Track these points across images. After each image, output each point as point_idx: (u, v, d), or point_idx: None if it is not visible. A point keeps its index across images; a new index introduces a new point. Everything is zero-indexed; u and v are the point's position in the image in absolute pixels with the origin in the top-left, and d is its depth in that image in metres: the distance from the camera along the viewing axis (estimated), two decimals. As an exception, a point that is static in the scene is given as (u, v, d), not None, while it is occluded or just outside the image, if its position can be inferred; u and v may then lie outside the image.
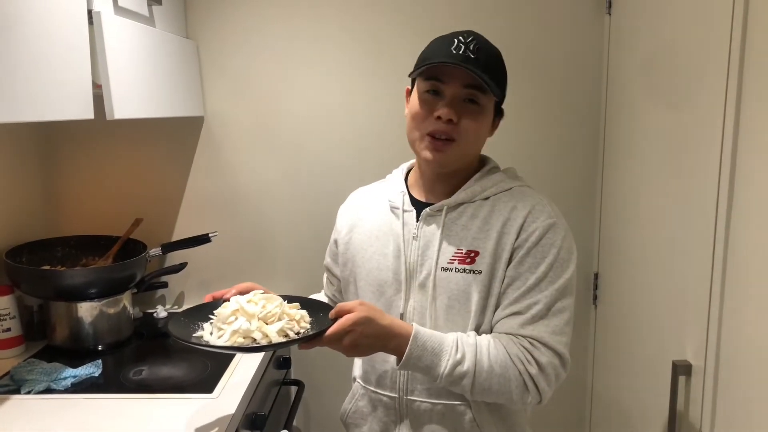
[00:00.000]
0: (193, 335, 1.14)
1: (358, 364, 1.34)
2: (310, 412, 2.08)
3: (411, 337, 1.08)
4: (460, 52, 1.12)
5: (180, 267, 1.93)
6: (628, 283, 1.70)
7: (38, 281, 1.65)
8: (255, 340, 1.10)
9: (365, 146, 1.94)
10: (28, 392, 1.41)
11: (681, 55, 1.38)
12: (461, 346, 1.10)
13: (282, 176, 1.96)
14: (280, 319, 1.14)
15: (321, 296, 1.48)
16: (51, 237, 1.85)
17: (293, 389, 1.95)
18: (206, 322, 1.17)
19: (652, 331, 1.51)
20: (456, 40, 1.13)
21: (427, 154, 1.16)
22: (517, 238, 1.15)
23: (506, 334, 1.13)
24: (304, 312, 1.19)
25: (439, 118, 1.13)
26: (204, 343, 1.10)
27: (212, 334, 1.13)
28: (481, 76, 1.11)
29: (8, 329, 1.62)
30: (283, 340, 1.10)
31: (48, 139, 1.95)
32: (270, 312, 1.13)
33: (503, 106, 1.23)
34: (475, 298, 1.15)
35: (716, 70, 1.19)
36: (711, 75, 1.22)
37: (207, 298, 1.23)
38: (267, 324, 1.12)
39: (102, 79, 1.32)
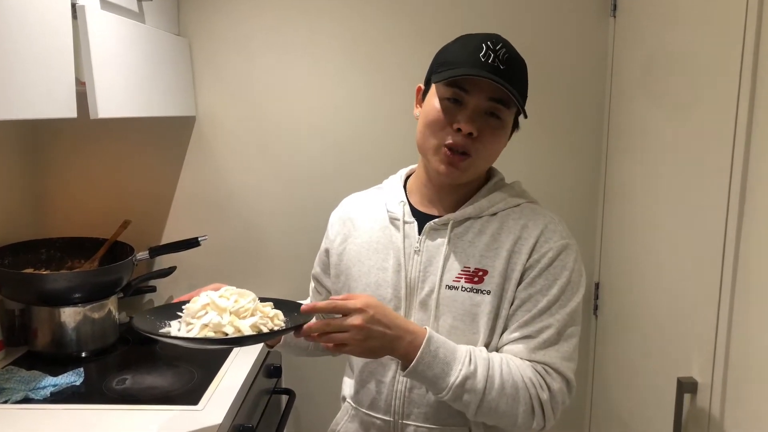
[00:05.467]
0: (160, 331, 1.07)
1: (348, 382, 1.27)
2: (300, 422, 2.02)
3: (424, 340, 1.01)
4: (489, 61, 1.04)
5: (169, 271, 1.88)
6: (630, 294, 1.64)
7: (20, 285, 1.59)
8: (226, 334, 1.03)
9: (363, 149, 1.88)
10: (5, 402, 1.35)
11: (689, 58, 1.33)
12: (474, 359, 1.03)
13: (276, 179, 1.91)
14: (253, 315, 1.07)
15: None
16: (35, 238, 1.80)
17: (284, 398, 1.89)
18: (174, 320, 1.11)
19: (655, 346, 1.46)
20: (484, 46, 1.05)
21: (440, 167, 1.09)
22: (528, 259, 1.09)
23: (517, 357, 1.07)
24: (278, 311, 1.12)
25: (458, 130, 1.06)
26: (171, 335, 1.04)
27: (180, 329, 1.07)
28: (511, 91, 1.03)
29: (-12, 334, 1.56)
30: (255, 333, 1.03)
31: (33, 138, 1.89)
32: (243, 307, 1.07)
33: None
34: (482, 319, 1.09)
35: (728, 72, 1.14)
36: (722, 78, 1.17)
37: (175, 301, 1.17)
38: (239, 319, 1.06)
39: (86, 76, 1.27)
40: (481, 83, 1.05)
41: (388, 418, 1.16)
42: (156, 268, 1.91)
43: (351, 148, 1.88)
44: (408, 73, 1.82)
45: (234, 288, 1.11)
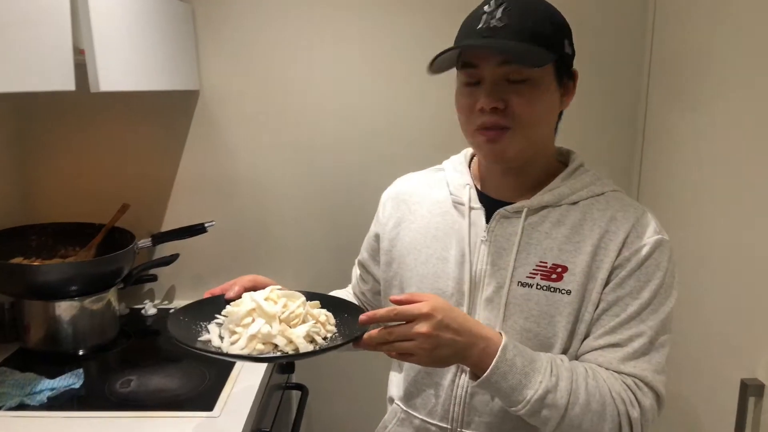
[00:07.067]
0: (198, 339, 0.95)
1: (396, 381, 1.14)
2: (312, 420, 1.90)
3: (500, 347, 0.88)
4: (484, 26, 0.93)
5: (171, 259, 1.74)
6: (687, 289, 1.52)
7: (9, 277, 1.45)
8: (276, 346, 0.91)
9: (388, 128, 1.73)
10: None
11: (741, 46, 1.21)
12: (555, 370, 0.90)
13: (287, 159, 1.76)
14: (304, 321, 0.95)
15: (344, 294, 1.29)
16: (24, 224, 1.65)
17: (295, 394, 1.77)
18: (209, 322, 0.98)
19: (714, 344, 1.34)
20: (481, 11, 0.94)
21: (484, 151, 0.99)
22: (618, 256, 0.95)
23: (603, 368, 0.94)
24: (328, 313, 1.00)
25: (482, 110, 0.94)
26: (224, 352, 0.91)
27: (223, 338, 0.94)
28: (507, 46, 0.91)
29: (-25, 331, 1.42)
30: (315, 347, 0.91)
31: (22, 114, 1.73)
32: (293, 312, 0.95)
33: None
34: (561, 322, 0.96)
35: None
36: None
37: (206, 295, 1.03)
38: (289, 326, 0.94)
39: (85, 44, 1.12)
40: (485, 52, 0.93)
41: (445, 425, 1.04)
42: (157, 255, 1.77)
43: (378, 126, 1.73)
44: (446, 38, 1.66)
45: (279, 287, 0.99)
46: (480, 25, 0.93)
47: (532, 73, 0.94)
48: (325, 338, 0.95)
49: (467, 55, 0.95)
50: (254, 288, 1.02)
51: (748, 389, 1.16)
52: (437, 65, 0.96)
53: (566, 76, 0.99)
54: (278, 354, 0.91)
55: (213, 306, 1.00)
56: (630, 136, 1.73)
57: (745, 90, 1.25)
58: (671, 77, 1.57)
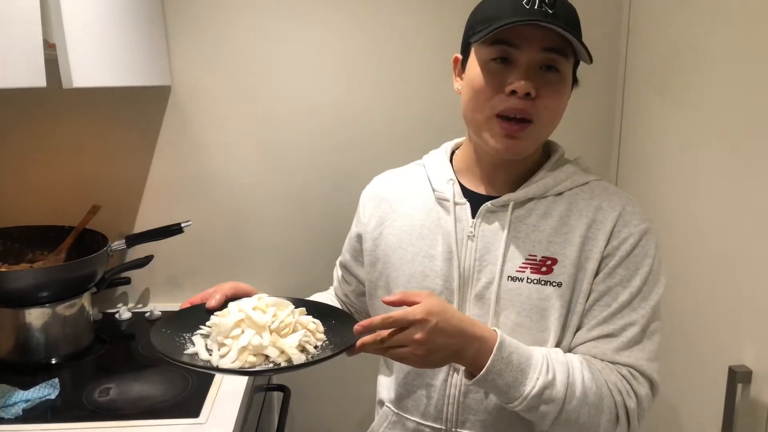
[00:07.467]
0: (184, 352, 0.91)
1: (385, 384, 1.13)
2: (295, 422, 1.87)
3: (496, 345, 0.87)
4: (536, 7, 0.89)
5: (146, 261, 1.68)
6: (672, 277, 1.53)
7: (-25, 284, 1.37)
8: (268, 357, 0.88)
9: (367, 122, 1.70)
10: (-30, 424, 1.15)
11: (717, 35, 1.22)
12: (551, 365, 0.89)
13: (265, 157, 1.71)
14: (294, 331, 0.92)
15: (326, 297, 1.26)
16: (-12, 228, 1.57)
17: (276, 395, 1.74)
18: (192, 333, 0.95)
19: (702, 332, 1.35)
20: None
21: (497, 141, 0.94)
22: (606, 245, 0.95)
23: (597, 359, 0.94)
24: (317, 321, 0.98)
25: (513, 92, 0.91)
26: (211, 366, 0.88)
27: (211, 351, 0.90)
28: (571, 34, 0.88)
29: (-61, 342, 1.34)
30: (307, 358, 0.89)
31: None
32: (284, 322, 0.92)
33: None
34: (553, 315, 0.95)
35: None
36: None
37: (185, 305, 1.00)
38: (280, 336, 0.91)
39: (56, 37, 1.06)
40: (532, 33, 0.90)
41: (439, 426, 1.02)
42: (130, 257, 1.71)
43: (351, 125, 1.70)
44: (424, 35, 1.65)
45: (267, 296, 0.95)
46: (528, 4, 0.89)
47: (565, 67, 0.93)
48: (315, 347, 0.93)
49: (507, 32, 0.90)
50: (236, 296, 0.99)
51: (737, 376, 1.17)
52: (479, 36, 0.92)
53: (574, 78, 0.99)
54: (271, 366, 0.88)
55: (195, 316, 0.97)
56: (607, 126, 1.73)
57: (722, 78, 1.26)
58: (648, 65, 1.58)
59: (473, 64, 0.96)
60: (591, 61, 0.93)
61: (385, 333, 0.86)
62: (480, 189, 1.03)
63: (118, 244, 1.57)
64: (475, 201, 1.01)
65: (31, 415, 1.20)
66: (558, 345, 0.97)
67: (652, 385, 0.94)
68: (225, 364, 0.87)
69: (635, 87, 1.64)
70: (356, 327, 0.87)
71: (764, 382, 1.14)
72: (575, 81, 1.00)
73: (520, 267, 0.97)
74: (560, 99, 0.95)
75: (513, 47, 0.91)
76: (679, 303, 1.40)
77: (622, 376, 0.92)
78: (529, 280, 0.96)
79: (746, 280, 1.19)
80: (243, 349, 0.88)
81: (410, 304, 0.86)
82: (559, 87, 0.94)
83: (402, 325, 0.84)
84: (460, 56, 1.02)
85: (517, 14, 0.89)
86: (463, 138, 1.09)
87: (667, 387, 1.54)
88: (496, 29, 0.89)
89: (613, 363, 0.93)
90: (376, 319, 0.85)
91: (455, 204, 1.02)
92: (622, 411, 0.91)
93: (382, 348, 0.86)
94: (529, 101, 0.91)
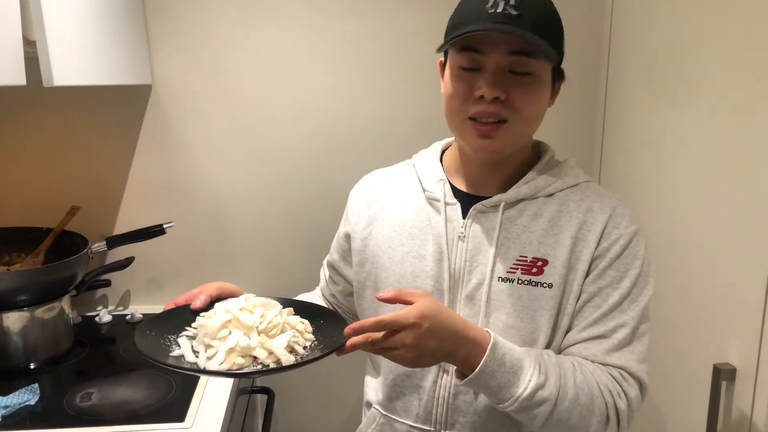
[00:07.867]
0: (170, 354, 0.89)
1: (372, 385, 1.12)
2: (279, 425, 1.85)
3: (489, 346, 0.87)
4: (498, 10, 0.88)
5: (126, 263, 1.65)
6: (658, 276, 1.54)
7: (-50, 287, 1.33)
8: (256, 358, 0.87)
9: (353, 126, 1.69)
10: (-53, 432, 1.12)
11: (701, 29, 1.23)
12: (544, 366, 0.89)
13: (248, 156, 1.69)
14: (282, 331, 0.91)
15: (313, 297, 1.25)
16: (-39, 230, 1.53)
17: (259, 398, 1.72)
18: (178, 335, 0.93)
19: (686, 330, 1.37)
20: None
21: (473, 142, 0.95)
22: (597, 247, 0.96)
23: (588, 361, 0.94)
24: (305, 321, 0.96)
25: (481, 98, 0.91)
26: (199, 368, 0.86)
27: (197, 353, 0.89)
28: (531, 38, 0.88)
29: None
30: (296, 359, 0.88)
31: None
32: (272, 323, 0.90)
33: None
34: (544, 316, 0.95)
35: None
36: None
37: (169, 306, 0.98)
38: (268, 337, 0.89)
39: (36, 34, 1.03)
40: (496, 37, 0.89)
41: (428, 428, 1.02)
42: (110, 259, 1.67)
43: (336, 125, 1.68)
44: (408, 34, 1.64)
45: (254, 296, 0.94)
46: (491, 8, 0.89)
47: (536, 68, 0.92)
48: (304, 347, 0.92)
49: (472, 39, 0.91)
50: (221, 296, 0.98)
51: (721, 374, 1.18)
52: (444, 44, 0.93)
53: (557, 76, 0.99)
54: (259, 368, 0.87)
55: (180, 318, 0.95)
56: (589, 123, 1.74)
57: (707, 75, 1.27)
58: (632, 61, 1.58)
59: (447, 70, 0.97)
60: (561, 60, 0.93)
61: (376, 335, 0.85)
62: (470, 189, 1.03)
63: (98, 246, 1.54)
64: (465, 201, 1.01)
65: (11, 421, 1.17)
66: (548, 346, 0.97)
67: (641, 386, 0.95)
68: (212, 366, 0.86)
69: (618, 84, 1.64)
70: (347, 330, 0.86)
71: (748, 380, 1.15)
72: (561, 76, 0.99)
73: (511, 268, 0.96)
74: (535, 99, 0.94)
75: (479, 53, 0.92)
76: (663, 301, 1.41)
77: (613, 377, 0.93)
78: (520, 281, 0.96)
79: (730, 278, 1.20)
80: (231, 350, 0.87)
81: (404, 302, 0.86)
82: (533, 87, 0.93)
83: (394, 328, 0.84)
84: (443, 60, 1.02)
85: (479, 21, 0.89)
86: (453, 138, 1.09)
87: (652, 385, 1.54)
88: (454, 38, 0.90)
89: (603, 364, 0.94)
90: (367, 321, 0.84)
91: (446, 204, 1.01)
92: (612, 412, 0.91)
93: (373, 348, 0.85)
94: (500, 104, 0.91)
